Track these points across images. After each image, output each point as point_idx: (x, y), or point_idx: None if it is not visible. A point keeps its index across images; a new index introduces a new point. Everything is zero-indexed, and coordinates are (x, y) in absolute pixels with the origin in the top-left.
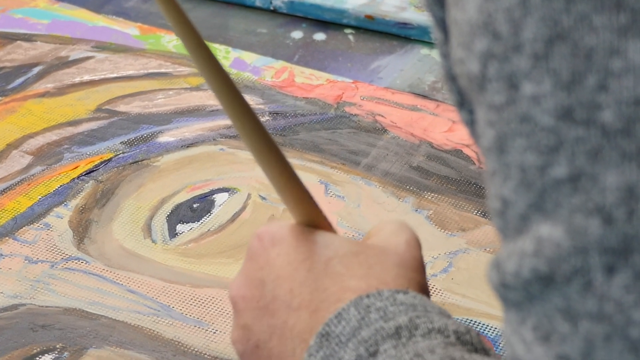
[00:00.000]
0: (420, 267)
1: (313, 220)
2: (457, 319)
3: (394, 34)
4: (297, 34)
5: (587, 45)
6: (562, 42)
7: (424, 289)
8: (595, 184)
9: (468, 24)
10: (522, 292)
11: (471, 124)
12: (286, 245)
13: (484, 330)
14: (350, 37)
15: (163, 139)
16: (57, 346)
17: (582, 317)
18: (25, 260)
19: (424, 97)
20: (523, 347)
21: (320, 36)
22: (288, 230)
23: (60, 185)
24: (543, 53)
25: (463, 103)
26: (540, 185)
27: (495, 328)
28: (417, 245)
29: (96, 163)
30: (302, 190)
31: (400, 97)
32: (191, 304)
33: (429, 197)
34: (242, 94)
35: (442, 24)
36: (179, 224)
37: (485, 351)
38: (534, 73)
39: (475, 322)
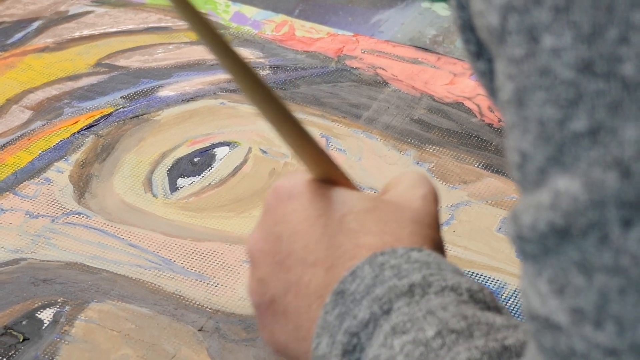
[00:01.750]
0: (435, 223)
1: (330, 176)
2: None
3: None
4: None
5: None
6: None
7: (439, 245)
8: (614, 137)
9: None
10: (538, 244)
11: (489, 74)
12: (303, 201)
13: (486, 282)
14: None
15: (163, 93)
16: (59, 300)
17: (598, 270)
18: (26, 214)
19: (425, 50)
20: (538, 300)
21: None
22: (304, 185)
23: (61, 140)
24: (564, 5)
25: (481, 53)
26: (559, 139)
27: (497, 280)
28: (433, 199)
29: (96, 117)
30: (315, 148)
31: (401, 50)
32: (192, 258)
33: (430, 150)
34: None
35: None
36: (180, 178)
37: (498, 309)
38: (555, 25)
39: (477, 274)
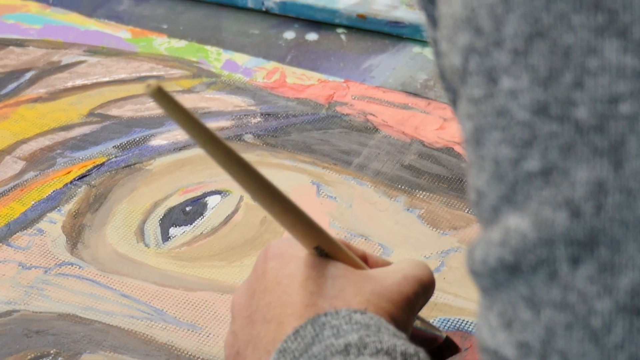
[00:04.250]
0: (404, 304)
1: (319, 246)
2: (449, 319)
3: (386, 33)
4: (289, 35)
5: (565, 43)
6: (541, 39)
7: (399, 323)
8: (566, 178)
9: (452, 18)
10: (489, 279)
11: None
12: (280, 261)
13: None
14: (343, 36)
15: (155, 142)
16: (52, 352)
17: (545, 306)
18: (19, 266)
19: (415, 95)
20: (488, 332)
21: (312, 36)
22: (289, 247)
23: (54, 191)
24: (523, 49)
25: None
26: (512, 178)
27: None
28: (415, 283)
29: (89, 168)
30: (303, 223)
31: (392, 95)
32: (184, 308)
33: (421, 196)
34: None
35: (435, 22)
36: (172, 228)
37: None
38: (513, 68)
39: (468, 321)
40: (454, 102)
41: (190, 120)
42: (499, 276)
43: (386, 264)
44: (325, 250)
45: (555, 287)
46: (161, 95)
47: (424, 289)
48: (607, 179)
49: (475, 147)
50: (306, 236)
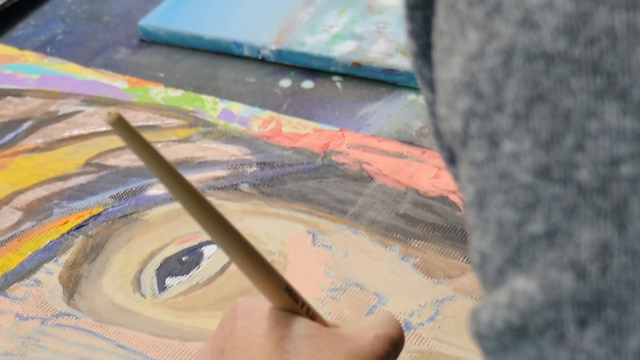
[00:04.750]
0: None
1: (287, 307)
2: None
3: (382, 80)
4: (285, 82)
5: (566, 106)
6: (541, 103)
7: None
8: (571, 240)
9: (452, 83)
10: (496, 342)
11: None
12: (251, 320)
13: None
14: (338, 84)
15: (152, 192)
16: None
17: None
18: (15, 317)
19: (410, 143)
20: None
21: (308, 84)
22: (259, 306)
23: (50, 241)
24: (523, 113)
25: (453, 159)
26: (516, 241)
27: None
28: (387, 342)
29: (86, 218)
30: (276, 285)
31: (387, 144)
32: (180, 358)
33: (416, 245)
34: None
35: (431, 84)
36: (168, 277)
37: None
38: (515, 132)
39: None
40: (449, 159)
41: (149, 152)
42: (506, 339)
43: (335, 326)
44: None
45: (564, 349)
46: (121, 125)
47: (395, 347)
48: (611, 240)
49: (479, 210)
50: (273, 287)
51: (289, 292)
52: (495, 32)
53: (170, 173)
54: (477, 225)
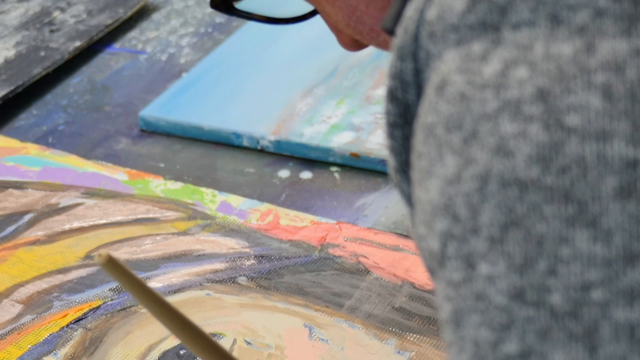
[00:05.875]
0: None
1: None
2: None
3: (379, 171)
4: (284, 173)
5: (539, 232)
6: (515, 228)
7: None
8: None
9: (430, 204)
10: None
11: None
12: None
13: None
14: (336, 174)
15: (151, 284)
16: None
17: None
18: None
19: (406, 236)
20: None
21: (306, 174)
22: None
23: (50, 334)
24: (498, 237)
25: (434, 279)
26: None
27: None
28: None
29: (85, 311)
30: None
31: (383, 237)
32: None
33: (412, 339)
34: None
35: (409, 199)
36: None
37: None
38: (490, 255)
39: None
40: (430, 270)
41: (141, 288)
42: None
43: None
44: None
45: None
46: (111, 265)
47: None
48: None
49: (455, 328)
50: None
51: None
52: (471, 158)
53: (163, 309)
54: (453, 343)
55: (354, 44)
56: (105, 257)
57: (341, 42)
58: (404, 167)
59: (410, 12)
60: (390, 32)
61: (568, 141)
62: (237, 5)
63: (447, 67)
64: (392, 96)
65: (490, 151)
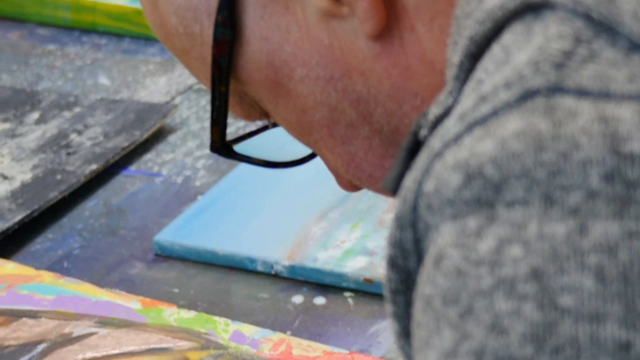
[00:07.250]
0: None
1: None
2: None
3: None
4: (297, 298)
5: None
6: None
7: None
8: None
9: None
10: None
11: None
12: None
13: None
14: (350, 300)
15: None
16: None
17: None
18: None
19: None
20: None
21: (320, 300)
22: None
23: None
24: None
25: None
26: None
27: None
28: None
29: None
30: None
31: None
32: None
33: None
34: None
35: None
36: None
37: None
38: None
39: None
40: None
41: None
42: None
43: None
44: None
45: None
46: None
47: None
48: None
49: None
50: None
51: None
52: (467, 333)
53: None
54: None
55: (354, 186)
56: None
57: (340, 184)
58: (407, 331)
59: (408, 182)
60: (392, 193)
61: (562, 322)
62: (237, 149)
63: (443, 240)
64: (393, 264)
65: (486, 328)
